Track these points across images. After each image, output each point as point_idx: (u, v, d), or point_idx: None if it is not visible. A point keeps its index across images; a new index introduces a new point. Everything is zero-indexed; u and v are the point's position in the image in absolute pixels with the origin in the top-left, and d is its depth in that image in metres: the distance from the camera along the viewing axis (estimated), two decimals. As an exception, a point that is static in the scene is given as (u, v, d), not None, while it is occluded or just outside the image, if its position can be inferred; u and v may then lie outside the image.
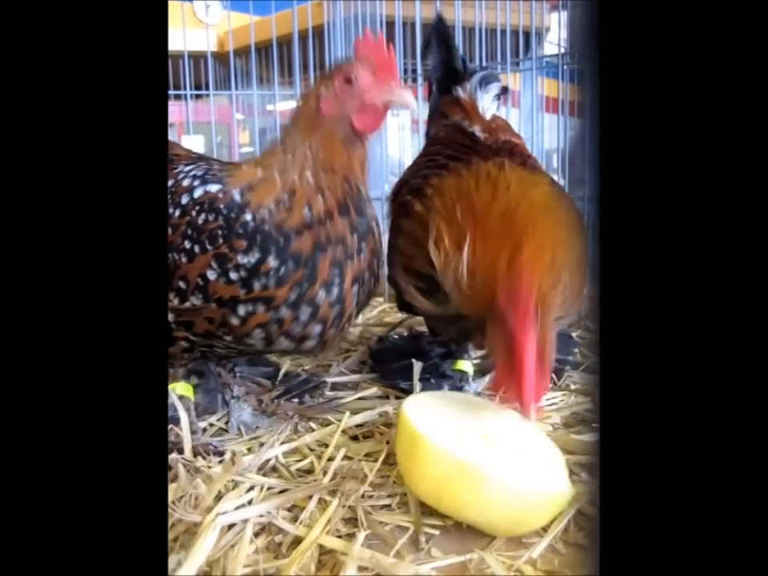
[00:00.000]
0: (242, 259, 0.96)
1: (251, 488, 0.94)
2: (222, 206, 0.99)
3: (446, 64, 1.50)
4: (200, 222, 0.99)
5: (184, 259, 0.98)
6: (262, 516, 0.87)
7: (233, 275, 0.96)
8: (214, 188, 1.02)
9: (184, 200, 1.02)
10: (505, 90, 1.49)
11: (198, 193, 1.02)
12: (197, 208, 1.00)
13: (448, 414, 0.93)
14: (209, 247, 0.97)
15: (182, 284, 0.98)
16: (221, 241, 0.97)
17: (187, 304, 0.99)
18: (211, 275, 0.97)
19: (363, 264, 1.03)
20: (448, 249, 1.00)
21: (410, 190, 1.24)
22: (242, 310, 0.97)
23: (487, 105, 1.43)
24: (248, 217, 0.97)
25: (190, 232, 0.99)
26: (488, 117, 1.41)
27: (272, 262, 0.96)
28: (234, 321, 0.98)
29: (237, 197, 1.00)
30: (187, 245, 0.98)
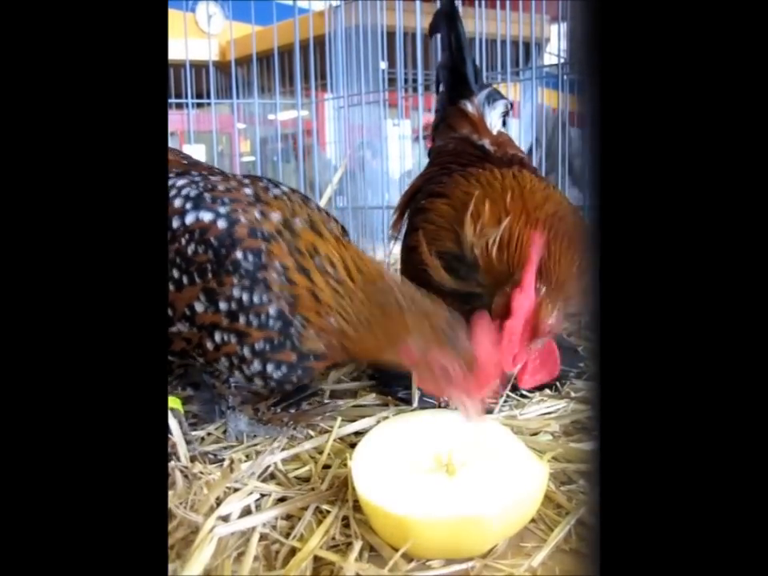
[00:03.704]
0: (238, 293, 0.95)
1: (250, 494, 0.94)
2: (212, 238, 0.96)
3: (455, 65, 1.52)
4: (189, 252, 0.96)
5: (171, 287, 0.96)
6: (262, 526, 0.87)
7: (222, 305, 0.95)
8: (207, 216, 0.98)
9: (175, 224, 0.98)
10: (510, 107, 1.54)
11: (189, 219, 0.98)
12: (186, 236, 0.97)
13: (399, 449, 0.90)
14: (197, 280, 0.96)
15: (168, 311, 0.97)
16: (210, 276, 0.95)
17: (173, 329, 0.98)
18: (199, 307, 0.96)
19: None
20: (486, 223, 1.15)
21: (429, 194, 1.33)
22: (217, 337, 0.97)
23: (494, 121, 1.47)
24: (239, 255, 0.95)
25: (178, 261, 0.96)
26: (494, 132, 1.44)
27: (271, 309, 0.95)
28: (209, 345, 0.98)
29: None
30: (175, 274, 0.96)
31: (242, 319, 0.95)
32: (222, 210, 0.98)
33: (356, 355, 0.98)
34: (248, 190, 1.03)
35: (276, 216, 1.00)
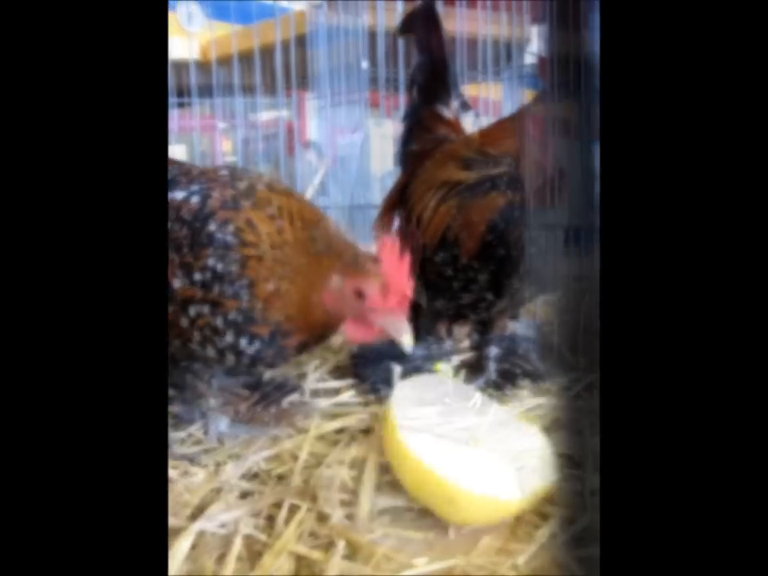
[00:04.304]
0: (212, 263, 0.95)
1: (242, 498, 0.93)
2: (186, 215, 0.97)
3: (435, 70, 1.50)
4: None
5: None
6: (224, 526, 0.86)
7: (197, 276, 0.95)
8: (179, 195, 0.99)
9: None
10: (476, 117, 1.60)
11: None
12: None
13: (432, 408, 0.97)
14: (173, 256, 0.96)
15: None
16: (186, 250, 0.96)
17: None
18: (176, 284, 0.96)
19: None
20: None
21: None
22: (192, 311, 0.96)
23: (467, 128, 1.49)
24: (212, 227, 0.96)
25: None
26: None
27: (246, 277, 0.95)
28: (184, 322, 0.97)
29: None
30: None
31: (216, 288, 0.95)
32: (195, 187, 1.00)
33: (292, 316, 0.97)
34: (224, 171, 1.05)
35: (242, 185, 1.01)
